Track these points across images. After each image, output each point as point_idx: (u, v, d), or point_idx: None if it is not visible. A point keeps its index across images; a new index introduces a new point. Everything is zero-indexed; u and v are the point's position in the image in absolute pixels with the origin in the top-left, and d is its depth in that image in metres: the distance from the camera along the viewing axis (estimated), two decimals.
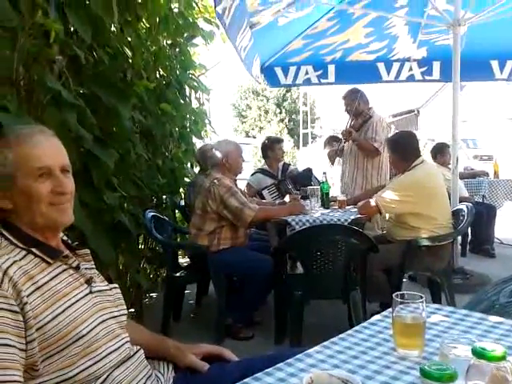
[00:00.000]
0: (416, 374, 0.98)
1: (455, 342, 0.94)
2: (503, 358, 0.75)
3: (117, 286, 1.33)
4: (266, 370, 1.04)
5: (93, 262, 1.30)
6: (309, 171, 4.76)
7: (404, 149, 3.26)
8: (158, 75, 4.01)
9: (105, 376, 1.14)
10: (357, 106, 4.33)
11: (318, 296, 2.93)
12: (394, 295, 1.13)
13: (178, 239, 4.14)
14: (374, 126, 4.30)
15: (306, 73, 5.53)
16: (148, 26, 3.67)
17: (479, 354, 0.76)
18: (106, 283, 1.30)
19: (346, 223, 3.11)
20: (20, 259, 1.09)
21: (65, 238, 1.31)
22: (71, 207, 1.22)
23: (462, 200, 4.19)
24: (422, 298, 1.12)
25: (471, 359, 0.79)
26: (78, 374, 1.09)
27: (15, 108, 1.88)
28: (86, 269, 1.24)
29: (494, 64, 5.21)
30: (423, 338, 1.11)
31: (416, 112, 19.69)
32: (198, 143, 5.20)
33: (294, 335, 2.82)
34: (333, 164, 4.75)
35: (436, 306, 1.39)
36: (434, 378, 0.71)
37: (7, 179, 1.14)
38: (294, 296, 2.85)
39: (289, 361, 1.08)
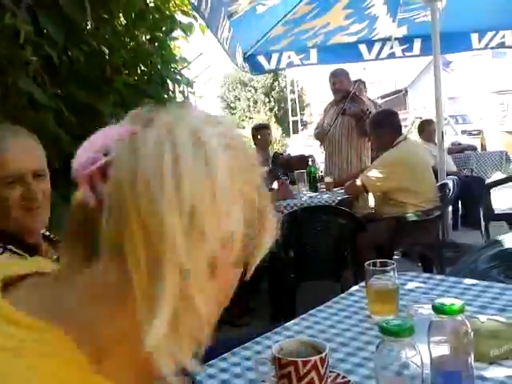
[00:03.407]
0: None
1: (420, 303, 0.97)
2: (461, 311, 0.78)
3: None
4: (245, 345, 1.06)
5: None
6: (304, 157, 4.73)
7: (387, 127, 3.28)
8: (138, 71, 4.00)
9: None
10: (349, 86, 4.32)
11: (309, 278, 2.96)
12: (366, 264, 1.16)
13: None
14: (369, 108, 4.29)
15: (289, 57, 5.54)
16: (125, 22, 3.66)
17: (438, 309, 0.79)
18: None
19: (333, 204, 3.14)
20: None
21: (47, 233, 1.32)
22: (45, 211, 1.21)
23: (450, 174, 4.21)
24: (393, 264, 1.14)
25: (433, 317, 0.82)
26: None
27: None
28: None
29: (474, 36, 5.22)
30: (396, 304, 1.14)
31: (404, 92, 19.69)
32: None
33: (288, 320, 2.85)
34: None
35: (413, 273, 1.42)
36: (392, 332, 0.74)
37: None
38: (286, 279, 2.88)
39: (267, 334, 1.11)
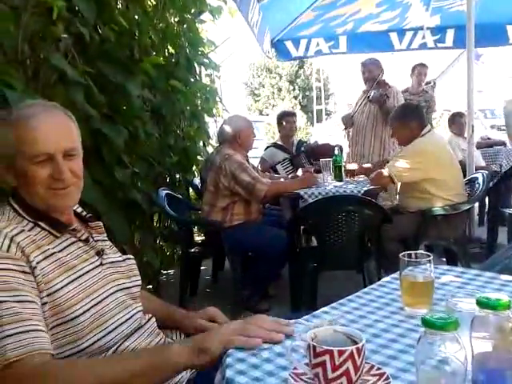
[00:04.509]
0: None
1: (461, 297, 0.93)
2: (507, 306, 0.74)
3: (131, 256, 1.33)
4: None
5: (105, 234, 1.30)
6: (330, 146, 4.67)
7: (413, 119, 3.22)
8: (166, 53, 3.99)
9: (116, 346, 1.15)
10: (379, 74, 4.24)
11: (331, 267, 2.93)
12: (401, 255, 1.12)
13: (193, 217, 4.16)
14: (396, 94, 4.21)
15: (317, 45, 5.46)
16: (154, 3, 3.64)
17: (483, 303, 0.75)
18: (120, 254, 1.30)
19: (359, 195, 3.09)
20: (29, 229, 1.10)
21: (79, 209, 1.30)
22: (75, 190, 1.19)
23: (478, 169, 4.12)
24: (429, 256, 1.11)
25: (476, 311, 0.78)
26: (89, 346, 1.10)
27: (22, 87, 1.89)
28: (97, 241, 1.24)
29: (510, 29, 5.05)
30: (431, 297, 1.11)
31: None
32: (211, 122, 5.18)
33: (308, 307, 2.84)
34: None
35: (446, 267, 1.38)
36: (437, 326, 0.71)
37: (9, 157, 1.12)
38: (307, 268, 2.86)
39: (297, 320, 1.08)
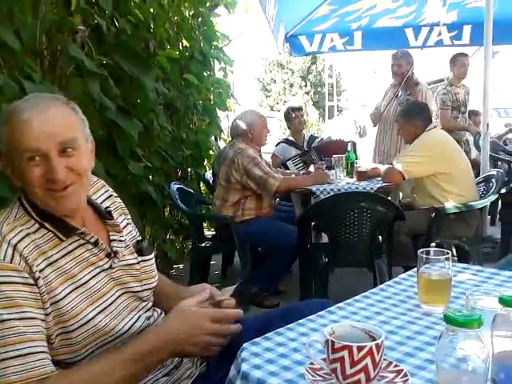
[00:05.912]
0: (441, 328, 0.97)
1: (479, 295, 0.92)
2: None
3: (147, 258, 1.24)
4: (288, 326, 1.04)
5: (122, 234, 1.20)
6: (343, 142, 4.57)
7: (419, 116, 3.22)
8: (180, 46, 3.99)
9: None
10: (408, 70, 4.09)
11: (343, 264, 2.91)
12: (419, 252, 1.11)
13: (204, 211, 4.17)
14: (424, 94, 4.11)
15: (332, 40, 5.40)
16: None
17: (507, 302, 0.74)
18: (135, 256, 1.21)
19: (372, 191, 3.07)
20: (34, 232, 1.04)
21: (101, 197, 1.24)
22: (80, 190, 1.08)
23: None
24: (447, 254, 1.10)
25: (498, 310, 0.77)
26: (95, 350, 1.08)
27: (39, 78, 1.89)
28: (112, 241, 1.17)
29: None
30: (448, 295, 1.10)
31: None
32: (223, 116, 5.18)
33: None
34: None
35: (463, 265, 1.36)
36: (459, 323, 0.70)
37: (7, 156, 1.06)
38: (318, 264, 2.85)
39: (310, 317, 1.08)
